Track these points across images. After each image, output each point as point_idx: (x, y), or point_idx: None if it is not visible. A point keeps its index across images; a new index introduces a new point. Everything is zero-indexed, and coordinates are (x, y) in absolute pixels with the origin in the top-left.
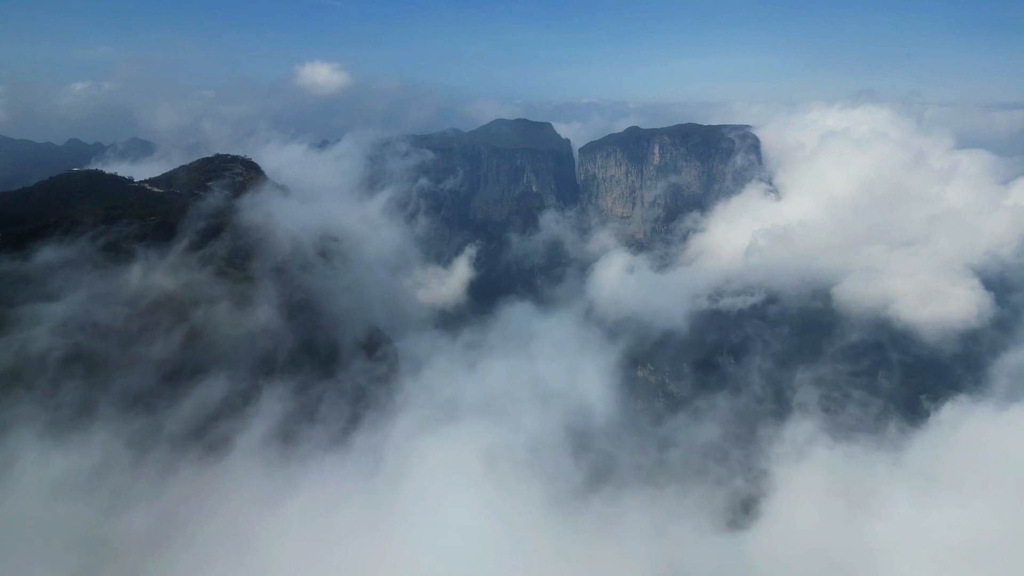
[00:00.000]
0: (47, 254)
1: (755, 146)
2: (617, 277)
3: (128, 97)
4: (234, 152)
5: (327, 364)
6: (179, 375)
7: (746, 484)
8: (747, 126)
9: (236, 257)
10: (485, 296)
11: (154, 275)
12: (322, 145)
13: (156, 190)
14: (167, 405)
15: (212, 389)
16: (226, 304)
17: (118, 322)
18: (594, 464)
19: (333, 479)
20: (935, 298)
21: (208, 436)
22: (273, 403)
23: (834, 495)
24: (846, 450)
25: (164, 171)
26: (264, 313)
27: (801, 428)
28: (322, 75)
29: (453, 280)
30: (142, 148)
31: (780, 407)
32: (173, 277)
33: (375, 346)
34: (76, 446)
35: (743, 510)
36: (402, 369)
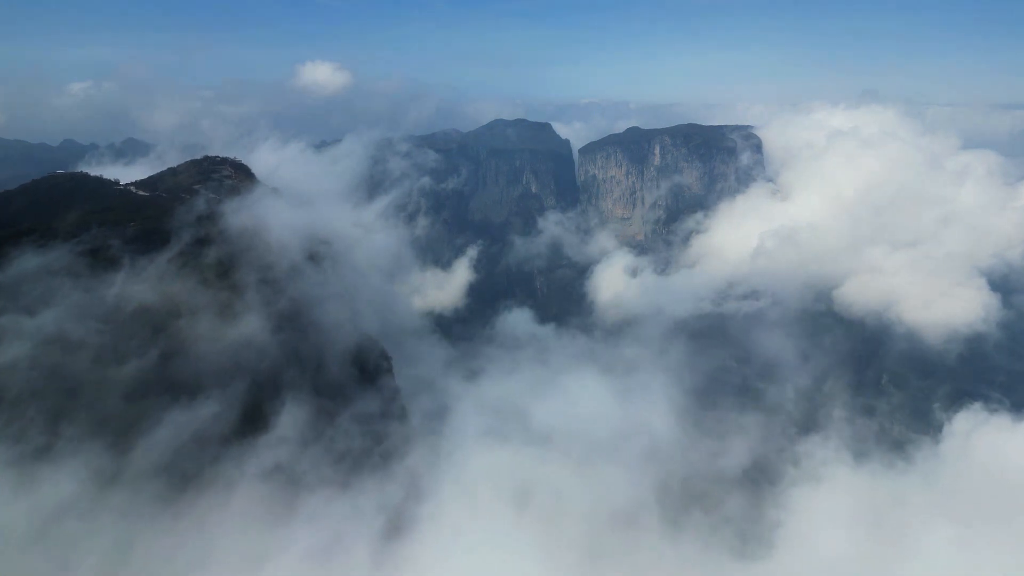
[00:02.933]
0: (19, 263)
1: (757, 147)
2: (618, 280)
3: (127, 97)
4: (232, 152)
5: (318, 384)
6: (155, 399)
7: (760, 506)
8: (749, 126)
9: (221, 266)
10: (483, 299)
11: (131, 286)
12: (320, 145)
13: (141, 193)
14: (142, 434)
15: (190, 416)
16: (209, 317)
17: (90, 338)
18: (605, 489)
19: (335, 520)
20: (943, 300)
21: (186, 472)
22: (259, 432)
23: (859, 522)
24: (869, 468)
25: (159, 172)
26: (249, 327)
27: (813, 442)
28: (322, 75)
29: (451, 283)
30: (138, 149)
31: (790, 418)
32: (152, 288)
33: (373, 363)
34: (36, 484)
35: (758, 537)
36: (403, 387)
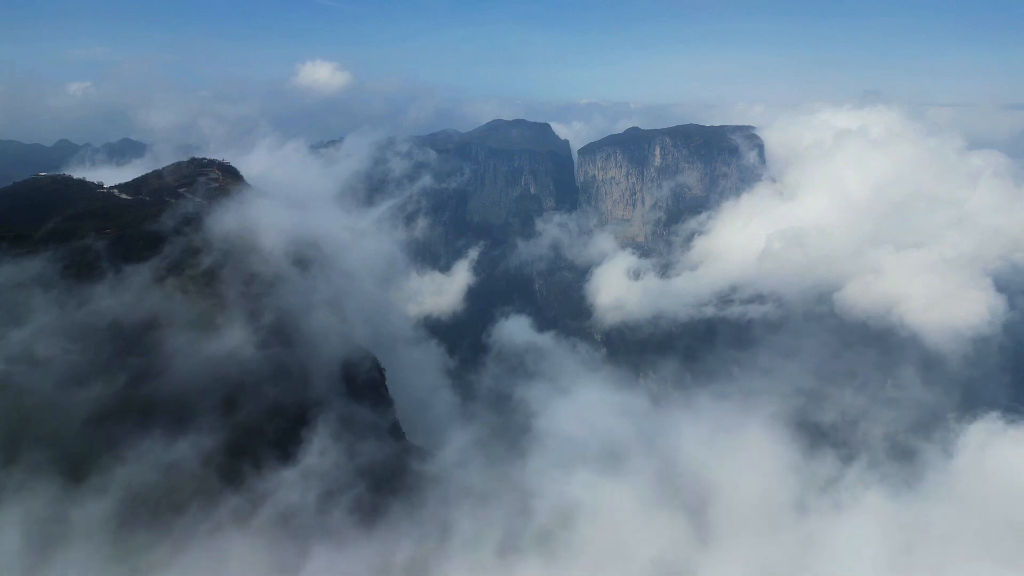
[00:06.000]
0: None
1: (760, 147)
2: (619, 282)
3: (125, 98)
4: (229, 153)
5: (308, 401)
6: (124, 426)
7: (772, 529)
8: (750, 127)
9: (204, 274)
10: (482, 303)
11: (105, 298)
12: (319, 146)
13: (124, 197)
14: (109, 469)
15: (165, 447)
16: (188, 330)
17: (56, 356)
18: (631, 515)
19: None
20: (949, 302)
21: (159, 517)
22: (244, 462)
23: (884, 551)
24: (883, 481)
25: (144, 175)
26: (230, 341)
27: (824, 455)
28: (322, 75)
29: (449, 287)
30: (133, 149)
31: (796, 430)
32: (127, 300)
33: (364, 375)
34: None
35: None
36: (398, 399)
